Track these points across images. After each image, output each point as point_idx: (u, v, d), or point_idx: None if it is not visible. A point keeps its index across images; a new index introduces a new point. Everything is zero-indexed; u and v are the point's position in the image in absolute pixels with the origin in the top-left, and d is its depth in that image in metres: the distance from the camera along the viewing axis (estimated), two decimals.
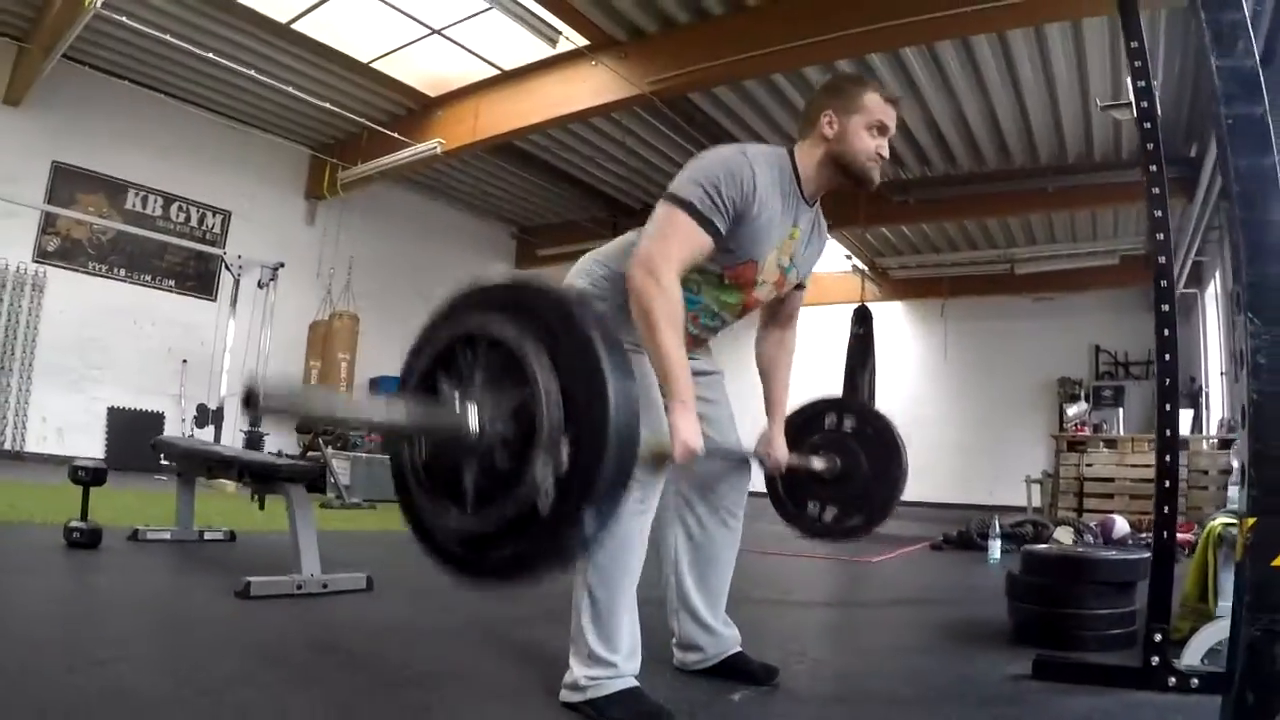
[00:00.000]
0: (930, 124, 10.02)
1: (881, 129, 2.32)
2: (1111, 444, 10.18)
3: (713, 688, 2.45)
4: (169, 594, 3.59)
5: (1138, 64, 2.62)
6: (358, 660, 2.60)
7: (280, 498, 3.72)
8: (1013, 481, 12.09)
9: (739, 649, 2.59)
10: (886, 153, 2.35)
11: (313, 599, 3.39)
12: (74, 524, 4.11)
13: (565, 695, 2.15)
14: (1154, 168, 2.62)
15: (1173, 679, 2.50)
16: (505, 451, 1.49)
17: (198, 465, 4.52)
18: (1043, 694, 2.58)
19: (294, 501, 3.56)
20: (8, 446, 9.90)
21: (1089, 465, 9.73)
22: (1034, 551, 3.59)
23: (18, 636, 2.58)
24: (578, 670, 2.13)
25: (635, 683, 2.13)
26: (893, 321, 15.53)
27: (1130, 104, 2.65)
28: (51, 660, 2.29)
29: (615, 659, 2.12)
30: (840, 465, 2.93)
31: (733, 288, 2.35)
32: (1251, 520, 1.34)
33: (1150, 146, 2.63)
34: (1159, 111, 2.60)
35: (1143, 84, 2.61)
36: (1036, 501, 11.20)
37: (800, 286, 2.65)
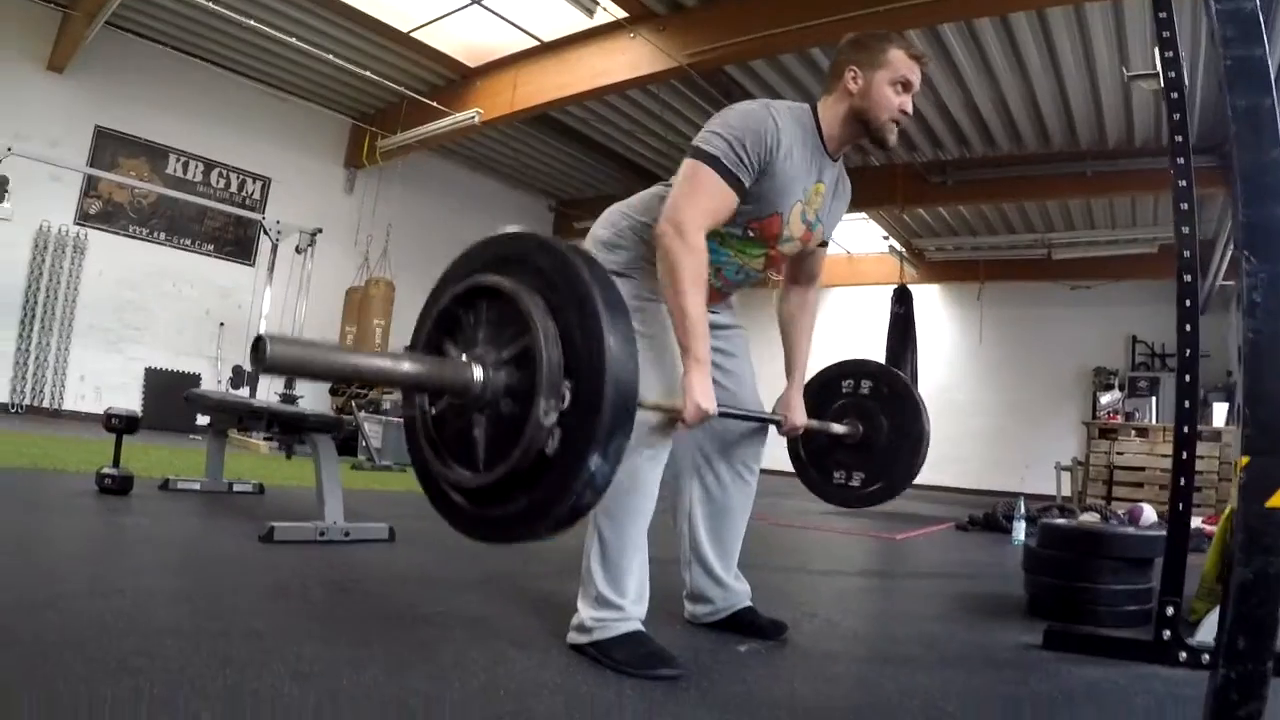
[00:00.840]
0: (969, 105, 9.91)
1: (906, 85, 2.30)
2: (1143, 433, 10.09)
3: (720, 639, 2.48)
4: (194, 536, 3.66)
5: (1165, 34, 2.60)
6: (372, 601, 2.65)
7: (308, 457, 3.79)
8: (1045, 469, 11.96)
9: (749, 604, 2.61)
10: (910, 109, 2.33)
11: (334, 546, 3.46)
12: (106, 470, 4.21)
13: (572, 637, 2.19)
14: (1179, 138, 2.61)
15: (1184, 654, 2.51)
16: (510, 401, 1.53)
17: (229, 417, 4.60)
18: (1052, 663, 2.58)
19: (320, 450, 3.63)
20: (46, 404, 10.10)
21: (1119, 453, 9.68)
22: (1051, 525, 3.56)
23: (44, 566, 2.67)
24: (584, 612, 2.17)
25: (640, 626, 2.17)
26: (928, 304, 15.38)
27: (1158, 74, 2.61)
28: (74, 587, 2.37)
29: (622, 602, 2.15)
30: (861, 429, 2.92)
31: (757, 241, 2.35)
32: (1245, 459, 1.34)
33: (1176, 116, 2.62)
34: (1186, 83, 2.58)
35: (1170, 54, 2.59)
36: (1067, 490, 11.12)
37: (823, 244, 2.64)
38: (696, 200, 2.14)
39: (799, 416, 2.65)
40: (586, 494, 1.49)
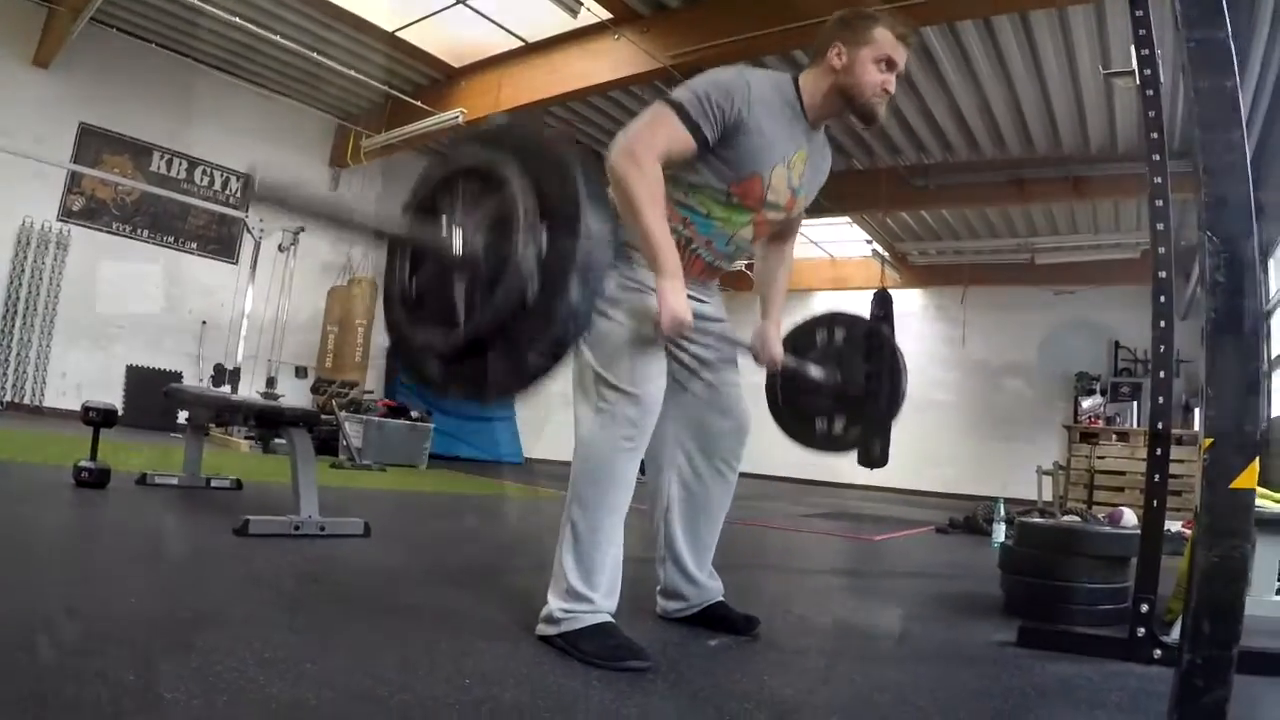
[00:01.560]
0: (953, 109, 9.94)
1: (889, 64, 2.32)
2: (1124, 436, 10.09)
3: (691, 633, 2.48)
4: (169, 528, 3.65)
5: (1141, 33, 2.61)
6: (344, 593, 2.64)
7: (287, 454, 3.76)
8: (1027, 474, 11.97)
9: (721, 599, 2.60)
10: (892, 88, 2.35)
11: (309, 540, 3.44)
12: (83, 464, 4.17)
13: (541, 629, 2.18)
14: (1154, 134, 2.62)
15: (1158, 651, 2.51)
16: (489, 257, 1.58)
17: (207, 411, 4.58)
18: (1026, 659, 2.58)
19: (296, 444, 3.61)
20: (27, 401, 10.03)
21: (1100, 457, 9.68)
22: (1028, 523, 3.57)
23: (15, 555, 2.65)
24: (554, 604, 2.16)
25: (610, 619, 2.16)
26: (912, 308, 15.45)
27: (1134, 72, 2.63)
28: (44, 576, 2.36)
29: (593, 595, 2.14)
30: (840, 375, 2.93)
31: (741, 207, 2.35)
32: (1209, 441, 1.34)
33: (1151, 114, 2.63)
34: (1162, 80, 2.60)
35: (1145, 52, 2.61)
36: (1048, 494, 11.13)
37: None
38: (651, 134, 2.16)
39: (776, 348, 2.66)
40: (570, 325, 1.53)
